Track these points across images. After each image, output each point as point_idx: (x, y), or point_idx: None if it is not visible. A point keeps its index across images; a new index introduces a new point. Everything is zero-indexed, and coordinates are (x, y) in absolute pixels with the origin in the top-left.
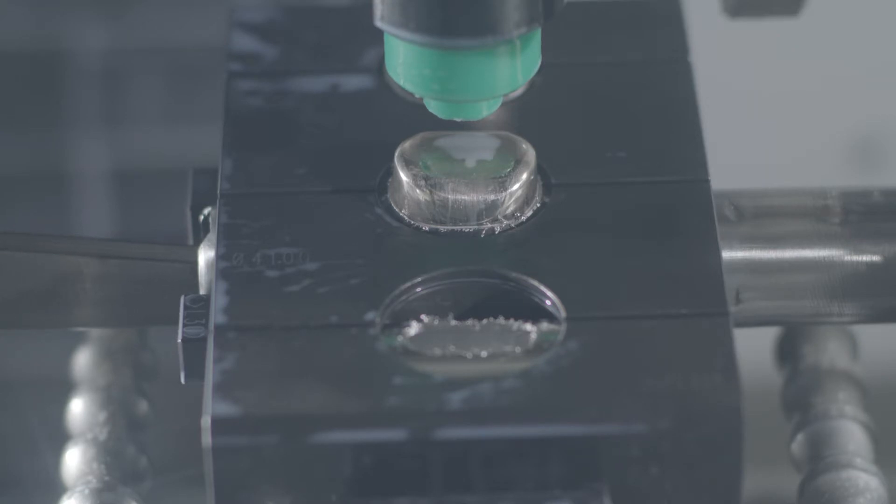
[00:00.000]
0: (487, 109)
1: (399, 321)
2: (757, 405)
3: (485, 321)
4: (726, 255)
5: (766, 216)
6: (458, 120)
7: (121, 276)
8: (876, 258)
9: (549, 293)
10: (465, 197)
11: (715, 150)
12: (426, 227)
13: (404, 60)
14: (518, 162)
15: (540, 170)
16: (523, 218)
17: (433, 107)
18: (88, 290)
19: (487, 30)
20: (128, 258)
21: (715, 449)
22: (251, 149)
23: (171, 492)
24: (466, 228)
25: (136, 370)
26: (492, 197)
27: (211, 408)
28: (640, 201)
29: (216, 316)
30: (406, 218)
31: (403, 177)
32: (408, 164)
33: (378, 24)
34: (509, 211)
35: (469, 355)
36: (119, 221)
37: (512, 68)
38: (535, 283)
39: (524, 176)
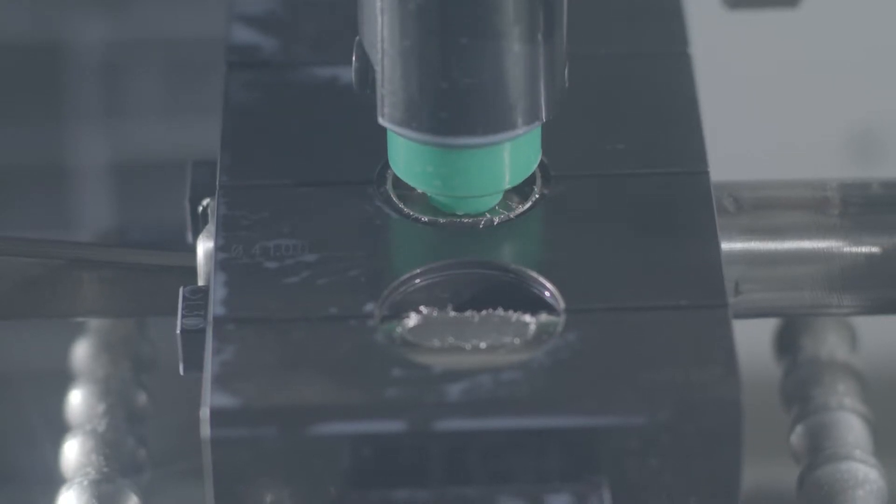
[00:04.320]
0: (490, 203)
1: (398, 313)
2: (756, 397)
3: (484, 312)
4: (725, 246)
5: (766, 208)
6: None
7: (119, 281)
8: (875, 250)
9: (548, 284)
10: None
11: (714, 141)
12: (425, 219)
13: (405, 157)
14: None
15: (539, 161)
16: (522, 209)
17: (435, 199)
18: (86, 289)
19: (491, 129)
20: (125, 267)
21: (714, 441)
22: (250, 141)
23: (170, 483)
24: (465, 220)
25: (135, 362)
26: None
27: (210, 399)
28: (640, 193)
29: (215, 307)
30: (405, 209)
31: None
32: None
33: (381, 121)
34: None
35: (468, 347)
36: (118, 214)
37: (515, 163)
38: (534, 274)
39: None
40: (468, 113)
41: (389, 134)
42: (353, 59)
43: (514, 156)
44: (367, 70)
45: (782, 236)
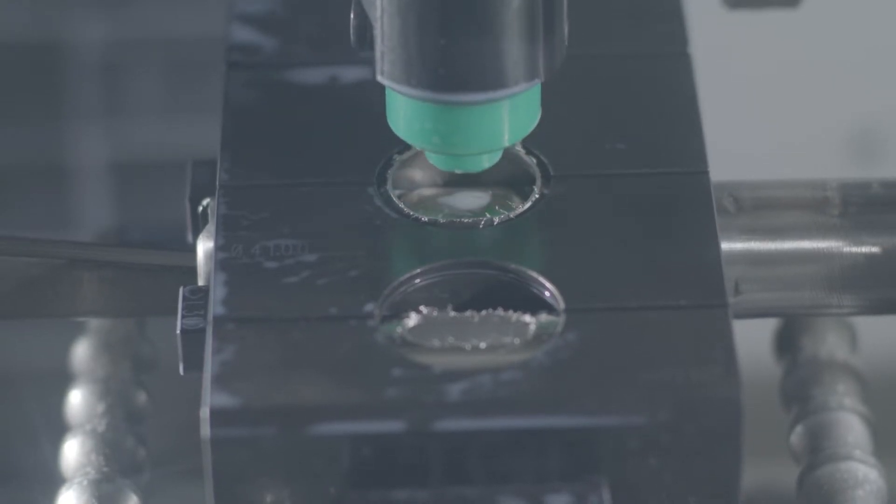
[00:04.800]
0: (488, 161)
1: (398, 312)
2: (756, 397)
3: (484, 313)
4: (725, 246)
5: (766, 207)
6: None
7: (119, 281)
8: (875, 249)
9: (548, 284)
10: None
11: (714, 141)
12: (425, 219)
13: (404, 114)
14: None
15: (539, 161)
16: (522, 209)
17: (433, 158)
18: (86, 289)
19: (489, 85)
20: (125, 267)
21: (714, 441)
22: (250, 140)
23: (170, 483)
24: (465, 220)
25: (135, 361)
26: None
27: (210, 399)
28: (640, 193)
29: (215, 307)
30: (405, 209)
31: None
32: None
33: (379, 78)
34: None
35: (468, 347)
36: (118, 214)
37: (514, 121)
38: (534, 274)
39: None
40: (467, 69)
41: (388, 92)
42: (352, 16)
43: (513, 113)
44: (365, 28)
45: (782, 236)
